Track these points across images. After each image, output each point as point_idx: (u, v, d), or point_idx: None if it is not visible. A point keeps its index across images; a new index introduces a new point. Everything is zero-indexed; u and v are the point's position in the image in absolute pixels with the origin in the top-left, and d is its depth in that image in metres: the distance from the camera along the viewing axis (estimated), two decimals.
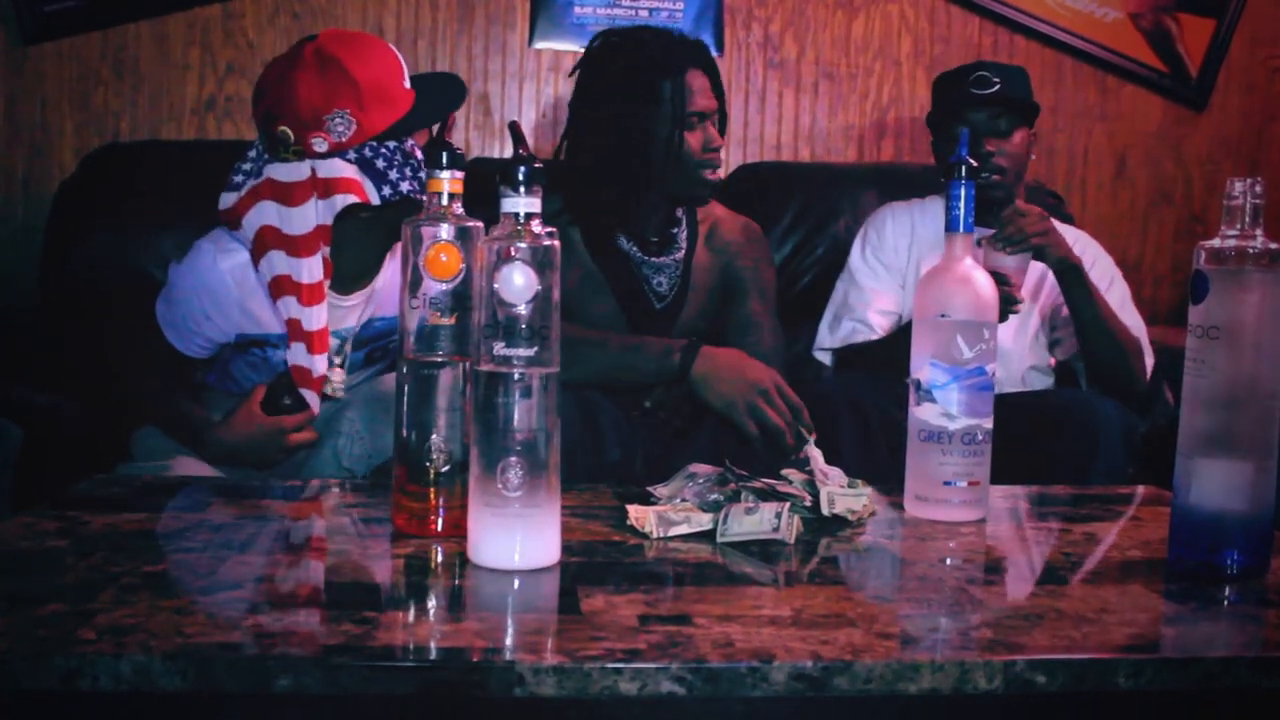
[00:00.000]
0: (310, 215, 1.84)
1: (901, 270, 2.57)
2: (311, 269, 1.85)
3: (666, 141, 2.17)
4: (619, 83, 2.21)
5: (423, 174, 1.83)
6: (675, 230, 2.34)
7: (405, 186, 1.84)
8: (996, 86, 2.43)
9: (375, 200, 1.84)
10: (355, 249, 1.94)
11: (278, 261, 1.85)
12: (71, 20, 3.06)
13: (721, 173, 2.27)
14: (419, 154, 1.86)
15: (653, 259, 2.32)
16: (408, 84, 1.88)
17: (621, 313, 2.28)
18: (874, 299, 2.55)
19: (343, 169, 1.82)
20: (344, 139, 1.82)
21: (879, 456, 2.11)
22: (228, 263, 1.91)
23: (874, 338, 2.51)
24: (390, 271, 2.04)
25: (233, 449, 1.91)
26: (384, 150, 1.84)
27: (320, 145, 1.81)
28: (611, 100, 2.21)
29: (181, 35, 3.11)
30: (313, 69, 1.81)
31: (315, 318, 1.87)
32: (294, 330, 1.87)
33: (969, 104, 2.46)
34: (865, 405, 2.16)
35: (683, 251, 2.35)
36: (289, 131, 1.82)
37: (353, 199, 1.82)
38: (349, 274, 1.97)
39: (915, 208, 2.64)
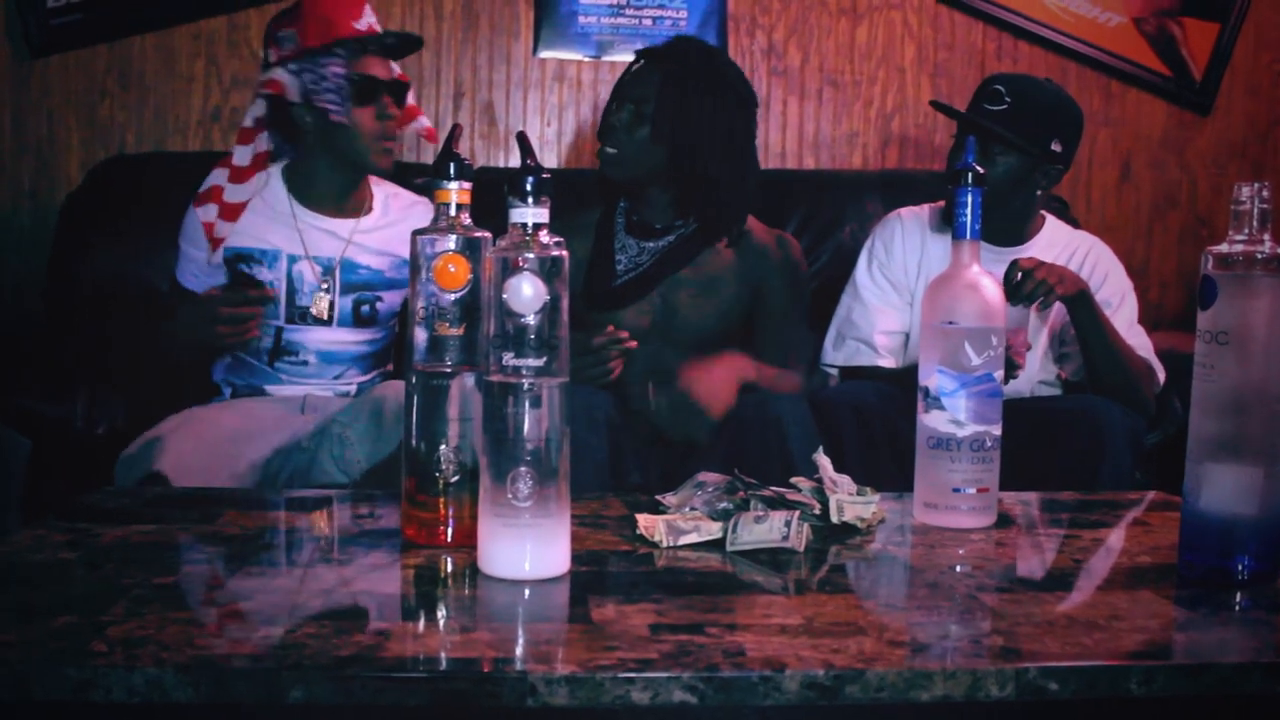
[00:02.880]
0: (249, 115, 2.28)
1: (910, 288, 2.50)
2: (241, 154, 2.26)
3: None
4: None
5: (336, 94, 2.17)
6: (664, 225, 2.36)
7: (315, 83, 2.17)
8: (1004, 107, 2.36)
9: (295, 96, 2.19)
10: (315, 163, 2.26)
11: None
12: (77, 33, 3.07)
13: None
14: (339, 78, 2.17)
15: (626, 235, 2.37)
16: (362, 25, 2.18)
17: (581, 276, 2.35)
18: (879, 319, 2.49)
19: (275, 73, 2.20)
20: (286, 53, 2.19)
21: (883, 463, 2.11)
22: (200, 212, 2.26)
23: (878, 360, 2.46)
24: (378, 219, 2.32)
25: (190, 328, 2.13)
26: (310, 65, 2.16)
27: (272, 58, 2.22)
28: None
29: (186, 48, 3.12)
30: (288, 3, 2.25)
31: (236, 192, 2.25)
32: (214, 193, 2.25)
33: (969, 117, 2.40)
34: (869, 413, 2.17)
35: (657, 243, 2.35)
36: (265, 53, 2.25)
37: (271, 92, 2.20)
38: (320, 191, 2.28)
39: (927, 215, 2.55)
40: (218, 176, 2.26)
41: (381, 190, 2.36)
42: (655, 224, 2.36)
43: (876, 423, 2.16)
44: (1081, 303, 2.30)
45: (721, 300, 2.35)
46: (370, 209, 2.33)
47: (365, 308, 2.30)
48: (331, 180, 2.27)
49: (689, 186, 2.30)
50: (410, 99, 2.35)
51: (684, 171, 2.28)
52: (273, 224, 2.26)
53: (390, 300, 2.33)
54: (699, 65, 2.28)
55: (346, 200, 2.30)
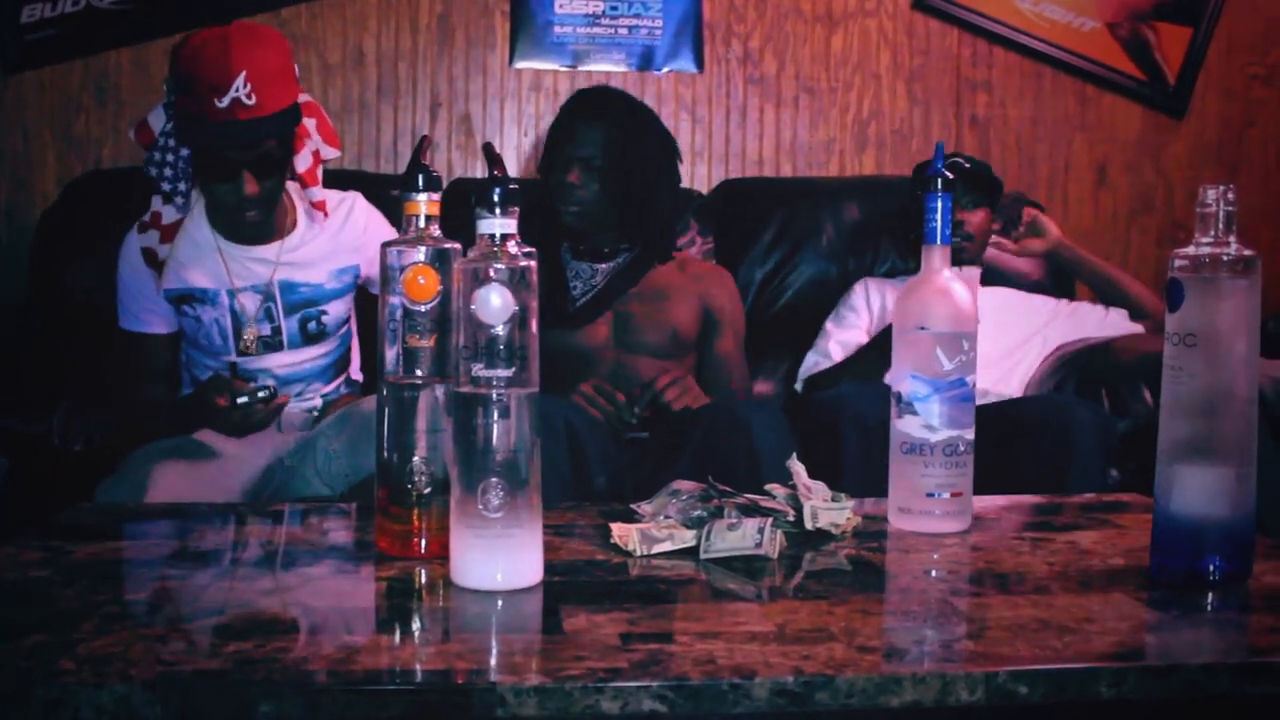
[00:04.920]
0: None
1: (869, 322, 2.76)
2: None
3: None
4: None
5: (182, 181, 2.17)
6: (611, 249, 2.52)
7: (162, 164, 2.16)
8: (966, 167, 2.71)
9: (155, 154, 2.16)
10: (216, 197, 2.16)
11: None
12: (52, 49, 3.07)
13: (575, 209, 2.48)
14: (185, 166, 2.15)
15: (576, 262, 2.52)
16: (226, 101, 2.00)
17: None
18: (835, 335, 2.74)
19: (150, 119, 2.17)
20: (168, 98, 2.12)
21: (878, 468, 2.12)
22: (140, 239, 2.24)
23: (831, 363, 2.67)
24: (304, 234, 2.26)
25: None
26: (170, 137, 2.13)
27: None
28: None
29: (162, 61, 3.10)
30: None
31: (169, 213, 2.20)
32: (155, 219, 2.21)
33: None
34: (867, 418, 2.18)
35: (609, 264, 2.51)
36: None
37: (142, 143, 2.19)
38: (237, 225, 2.19)
39: (888, 285, 2.84)
40: (156, 202, 2.22)
41: (301, 200, 2.30)
42: (604, 248, 2.52)
43: (874, 429, 2.17)
44: (1062, 254, 2.93)
45: (671, 309, 2.50)
46: (294, 223, 2.28)
47: (312, 324, 2.28)
48: (232, 207, 2.17)
49: (636, 223, 2.50)
50: (307, 161, 2.23)
51: (634, 212, 2.48)
52: (203, 263, 2.22)
53: (336, 310, 2.31)
54: (627, 116, 2.51)
55: (268, 225, 2.23)
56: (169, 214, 2.20)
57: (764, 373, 2.91)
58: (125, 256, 2.24)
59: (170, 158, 2.14)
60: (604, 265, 2.51)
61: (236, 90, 2.00)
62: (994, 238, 2.87)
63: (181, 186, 2.16)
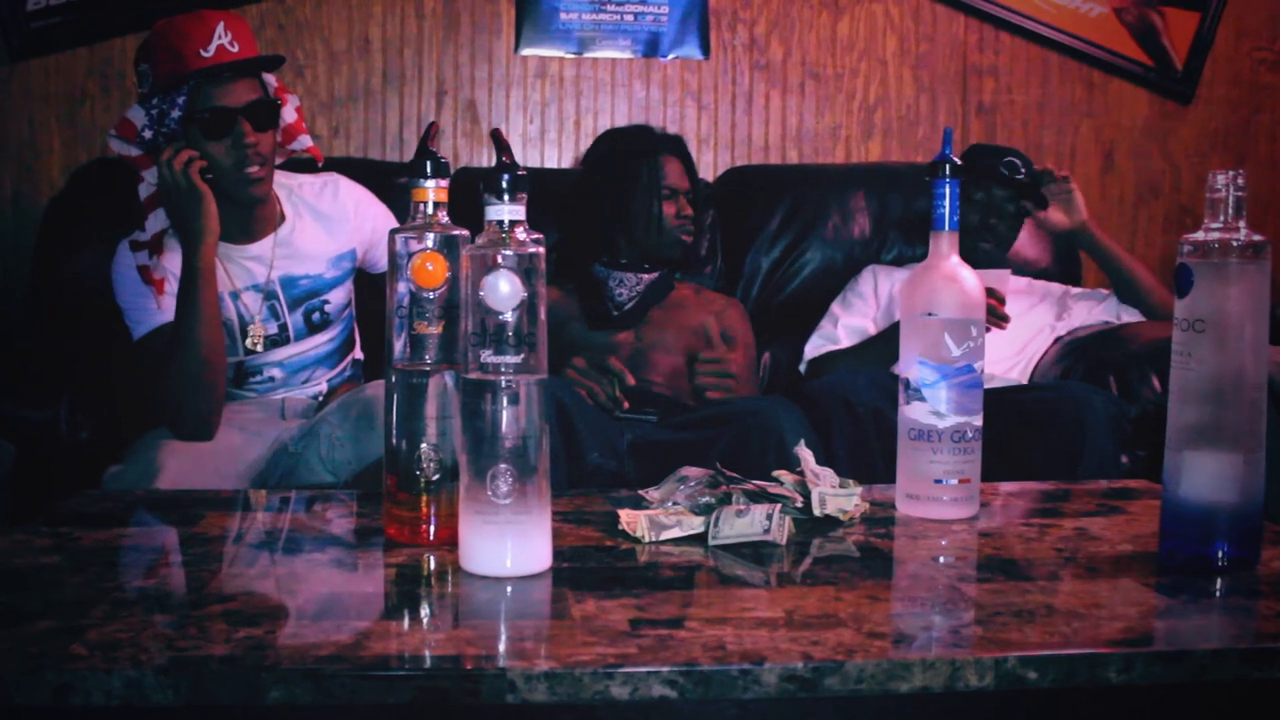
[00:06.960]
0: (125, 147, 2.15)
1: (875, 309, 2.78)
2: (144, 188, 2.14)
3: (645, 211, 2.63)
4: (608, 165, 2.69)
5: (173, 115, 2.08)
6: (649, 264, 2.65)
7: (143, 120, 2.09)
8: (1021, 175, 2.71)
9: (145, 131, 2.09)
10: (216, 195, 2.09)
11: None
12: (57, 36, 3.07)
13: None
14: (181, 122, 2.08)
15: (620, 272, 2.64)
16: (210, 51, 2.04)
17: (580, 313, 2.63)
18: (842, 319, 2.77)
19: (129, 113, 2.11)
20: (142, 89, 2.12)
21: (871, 455, 2.13)
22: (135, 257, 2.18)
23: (837, 346, 2.71)
24: (295, 222, 2.26)
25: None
26: (159, 106, 2.08)
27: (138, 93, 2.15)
28: (601, 178, 2.68)
29: None
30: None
31: (153, 222, 2.14)
32: (150, 240, 2.15)
33: (994, 178, 2.70)
34: (857, 405, 2.18)
35: (652, 275, 2.65)
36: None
37: (122, 135, 2.11)
38: (228, 225, 2.12)
39: (896, 272, 2.85)
40: (151, 222, 2.15)
41: (284, 190, 2.29)
42: (645, 263, 2.66)
43: (865, 413, 2.18)
44: (1082, 235, 2.84)
45: (692, 316, 2.67)
46: (283, 215, 2.26)
47: (316, 315, 2.28)
48: (230, 214, 2.13)
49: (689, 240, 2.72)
50: (292, 115, 2.22)
51: (700, 233, 2.78)
52: None
53: (337, 298, 2.31)
54: (682, 147, 2.72)
55: (258, 221, 2.22)
56: (153, 222, 2.14)
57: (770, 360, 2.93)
58: (120, 270, 2.18)
59: (158, 119, 2.09)
60: (647, 275, 2.65)
61: (219, 38, 2.04)
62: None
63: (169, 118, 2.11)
